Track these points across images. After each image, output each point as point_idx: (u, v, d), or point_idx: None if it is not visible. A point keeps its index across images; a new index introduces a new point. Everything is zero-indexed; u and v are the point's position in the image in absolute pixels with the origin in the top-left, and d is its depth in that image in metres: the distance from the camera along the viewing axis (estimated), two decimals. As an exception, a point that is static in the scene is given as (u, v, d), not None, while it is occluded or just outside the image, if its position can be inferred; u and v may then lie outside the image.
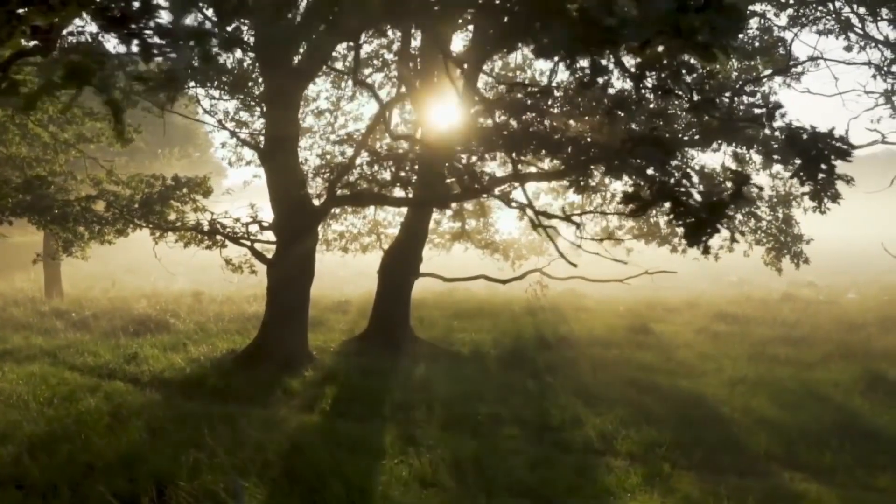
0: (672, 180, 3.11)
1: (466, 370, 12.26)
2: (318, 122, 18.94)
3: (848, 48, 12.53)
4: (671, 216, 3.13)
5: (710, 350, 14.35)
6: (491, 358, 13.43)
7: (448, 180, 12.06)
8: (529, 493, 6.73)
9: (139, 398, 10.09)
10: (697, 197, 3.21)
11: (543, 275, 16.90)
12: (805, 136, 3.77)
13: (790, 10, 13.71)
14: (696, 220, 3.13)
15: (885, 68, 12.22)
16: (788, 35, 12.94)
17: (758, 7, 13.84)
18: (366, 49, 18.51)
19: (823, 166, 3.77)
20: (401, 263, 14.76)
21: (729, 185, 3.60)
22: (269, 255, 12.76)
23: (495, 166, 13.06)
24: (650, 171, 3.19)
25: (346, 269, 29.40)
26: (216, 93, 13.76)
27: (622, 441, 8.38)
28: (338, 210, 18.03)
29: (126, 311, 17.82)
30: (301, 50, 11.41)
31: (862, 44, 12.72)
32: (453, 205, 16.76)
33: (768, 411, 9.68)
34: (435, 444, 7.91)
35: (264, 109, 12.68)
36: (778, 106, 5.58)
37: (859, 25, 12.76)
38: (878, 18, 11.83)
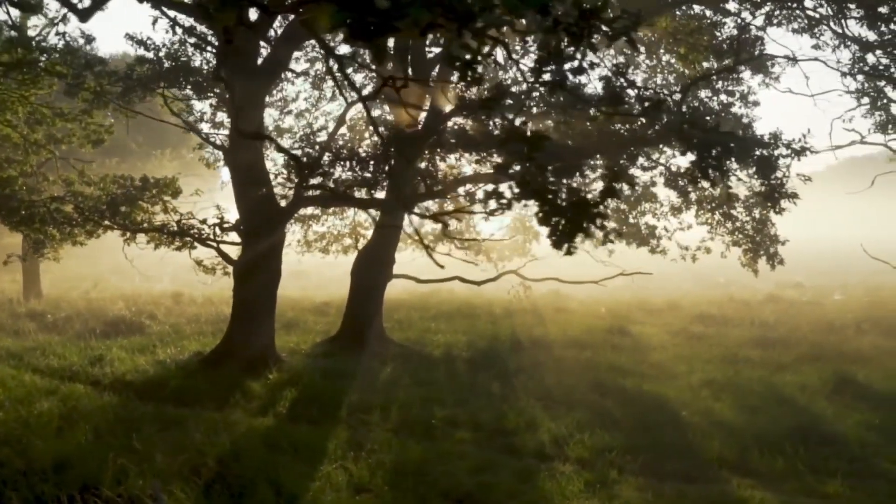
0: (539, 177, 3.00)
1: (433, 372, 12.14)
2: (298, 122, 18.90)
3: (816, 46, 12.39)
4: (538, 216, 3.01)
5: (684, 352, 14.21)
6: (461, 360, 13.30)
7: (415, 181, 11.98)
8: (467, 499, 6.61)
9: (96, 401, 9.98)
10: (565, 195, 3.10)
11: (519, 276, 16.81)
12: (697, 133, 3.63)
13: (765, 9, 13.55)
14: (563, 220, 3.01)
15: (856, 67, 12.02)
16: (752, 33, 12.73)
17: (731, 6, 13.72)
18: (345, 49, 18.45)
19: (713, 163, 3.62)
20: (373, 265, 14.65)
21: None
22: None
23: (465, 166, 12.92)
24: (516, 168, 3.07)
25: (333, 270, 29.31)
26: (184, 93, 13.67)
27: (574, 445, 8.24)
28: (318, 211, 17.95)
29: (103, 312, 17.74)
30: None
31: (836, 42, 12.58)
32: (430, 205, 16.62)
33: (729, 415, 9.55)
34: (380, 448, 7.80)
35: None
36: (662, 101, 5.44)
37: (837, 27, 12.61)
38: (847, 16, 11.66)
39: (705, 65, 15.35)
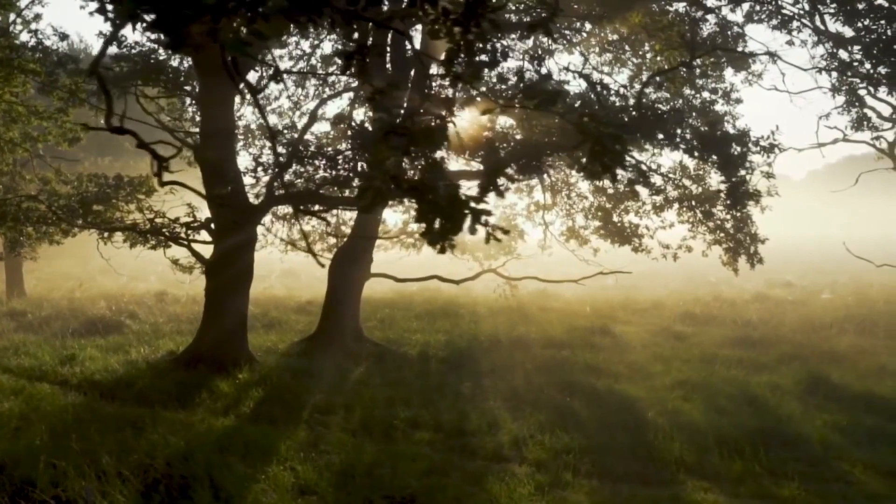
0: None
1: (405, 372, 12.05)
2: (281, 121, 18.80)
3: (790, 42, 12.22)
4: (415, 213, 2.91)
5: (664, 352, 14.07)
6: (436, 360, 13.21)
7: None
8: (411, 501, 6.50)
9: (59, 401, 9.92)
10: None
11: (498, 275, 16.71)
12: (589, 121, 3.53)
13: (745, 6, 13.41)
14: (438, 218, 2.91)
15: (829, 63, 11.87)
16: (734, 30, 12.57)
17: (711, 2, 13.58)
18: (327, 48, 18.35)
19: (609, 157, 3.52)
20: (351, 264, 14.56)
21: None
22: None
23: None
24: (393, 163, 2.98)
25: (323, 269, 29.23)
26: (154, 91, 13.61)
27: (533, 447, 8.13)
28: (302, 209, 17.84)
29: (83, 312, 17.69)
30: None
31: (814, 39, 12.41)
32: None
33: (696, 416, 9.41)
34: (333, 449, 7.72)
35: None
36: (556, 92, 5.32)
37: (811, 23, 12.44)
38: (822, 12, 11.49)
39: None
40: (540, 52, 16.97)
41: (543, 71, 8.33)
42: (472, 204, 2.95)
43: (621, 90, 11.74)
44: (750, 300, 20.50)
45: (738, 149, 9.17)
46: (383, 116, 3.02)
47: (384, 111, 3.04)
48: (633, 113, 8.70)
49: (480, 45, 3.73)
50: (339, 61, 16.73)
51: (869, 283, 24.19)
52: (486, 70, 3.85)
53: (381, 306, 19.27)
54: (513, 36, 11.89)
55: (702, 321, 17.28)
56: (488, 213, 2.98)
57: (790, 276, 26.98)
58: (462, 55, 3.79)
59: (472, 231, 3.03)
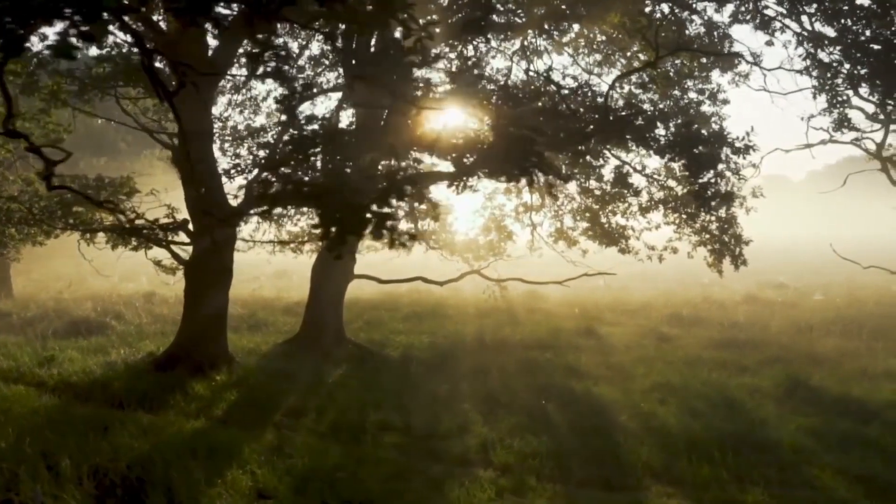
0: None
1: (384, 375, 11.99)
2: (270, 121, 18.75)
3: (770, 43, 12.11)
4: (317, 220, 2.85)
5: (648, 354, 13.98)
6: (417, 362, 13.14)
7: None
8: (369, 506, 6.45)
9: (33, 403, 9.87)
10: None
11: (482, 276, 16.66)
12: (504, 122, 3.47)
13: (730, 7, 13.33)
14: (338, 224, 2.85)
15: (810, 64, 11.75)
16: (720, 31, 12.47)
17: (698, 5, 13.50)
18: (315, 48, 18.26)
19: (531, 160, 3.46)
20: (333, 265, 14.49)
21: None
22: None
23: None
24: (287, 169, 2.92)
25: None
26: (134, 91, 13.57)
27: (500, 451, 8.06)
28: (292, 210, 17.78)
29: (70, 313, 17.68)
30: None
31: (796, 40, 12.30)
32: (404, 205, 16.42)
33: (669, 420, 9.33)
34: (298, 453, 7.65)
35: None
36: (473, 92, 5.20)
37: (794, 24, 12.35)
38: (802, 12, 11.39)
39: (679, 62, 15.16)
40: (528, 53, 16.92)
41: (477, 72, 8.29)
42: (375, 208, 2.89)
43: (584, 90, 11.61)
44: (740, 301, 20.39)
45: (715, 149, 9.06)
46: (287, 120, 2.96)
47: (289, 114, 2.98)
48: (592, 115, 8.59)
49: (409, 46, 3.68)
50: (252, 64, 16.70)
51: (862, 284, 24.05)
52: (416, 70, 3.78)
53: (368, 308, 19.23)
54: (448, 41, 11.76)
55: (689, 323, 17.18)
56: (392, 217, 2.92)
57: (785, 277, 26.83)
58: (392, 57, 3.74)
59: (377, 236, 2.98)
